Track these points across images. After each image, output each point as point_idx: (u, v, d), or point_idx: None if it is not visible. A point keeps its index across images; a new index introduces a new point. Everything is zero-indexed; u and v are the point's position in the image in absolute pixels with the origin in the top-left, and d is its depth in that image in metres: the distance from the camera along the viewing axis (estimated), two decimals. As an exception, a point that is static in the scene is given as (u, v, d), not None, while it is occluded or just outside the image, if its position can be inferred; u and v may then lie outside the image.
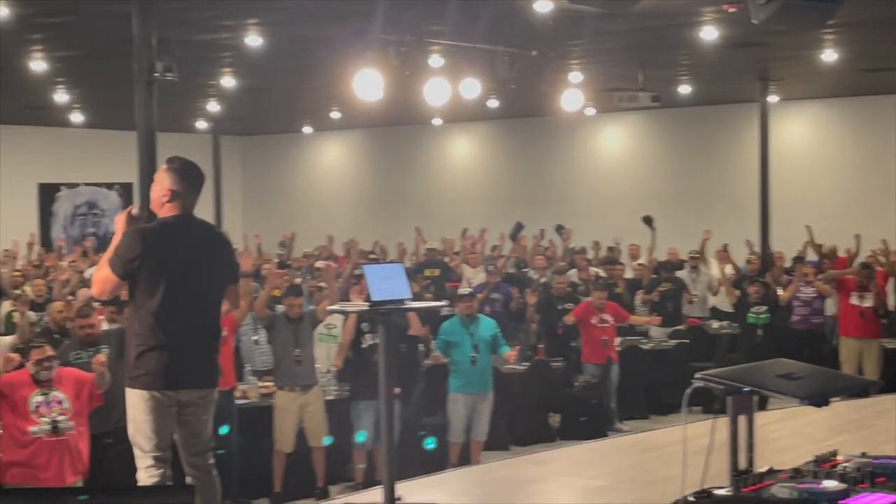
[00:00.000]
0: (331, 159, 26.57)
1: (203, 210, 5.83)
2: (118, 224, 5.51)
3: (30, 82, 15.41)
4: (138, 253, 5.29)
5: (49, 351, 7.79)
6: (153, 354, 5.30)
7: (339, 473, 10.38)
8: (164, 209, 5.48)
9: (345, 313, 9.61)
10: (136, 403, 5.32)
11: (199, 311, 5.49)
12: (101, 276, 5.41)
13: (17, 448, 7.52)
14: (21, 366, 7.81)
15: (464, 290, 11.61)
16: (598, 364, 12.42)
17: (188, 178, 5.52)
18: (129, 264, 5.29)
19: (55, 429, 7.52)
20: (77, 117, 20.88)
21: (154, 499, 3.28)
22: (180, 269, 5.38)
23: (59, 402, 7.63)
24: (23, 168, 22.70)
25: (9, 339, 9.56)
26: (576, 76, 14.72)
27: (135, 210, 5.56)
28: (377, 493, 6.34)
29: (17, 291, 12.93)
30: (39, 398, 7.60)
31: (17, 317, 11.08)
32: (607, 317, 12.50)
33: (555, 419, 12.57)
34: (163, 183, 5.48)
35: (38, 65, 13.87)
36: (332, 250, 18.36)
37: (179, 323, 5.36)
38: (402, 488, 6.37)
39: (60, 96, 17.62)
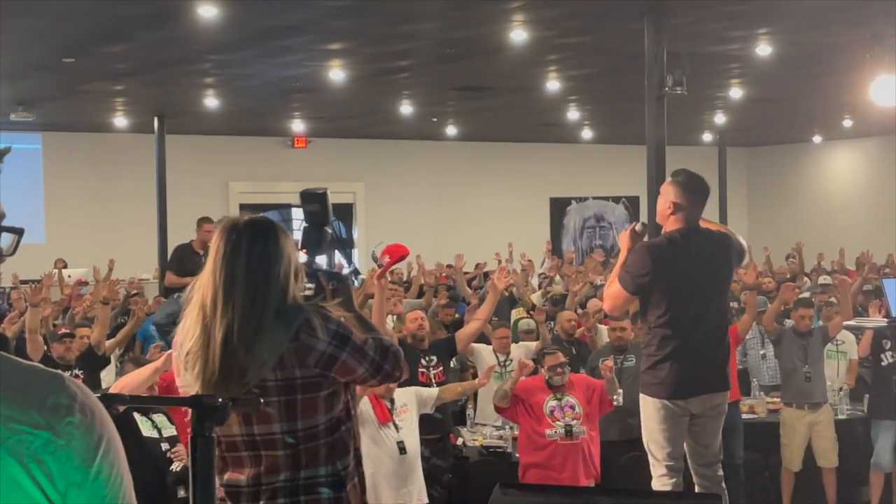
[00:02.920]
0: (842, 168, 25.52)
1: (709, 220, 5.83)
2: (623, 241, 5.68)
3: (544, 101, 16.20)
4: (648, 269, 5.40)
5: (561, 357, 8.15)
6: (665, 365, 5.40)
7: (851, 496, 9.95)
8: (668, 221, 5.57)
9: (862, 329, 9.20)
10: (650, 412, 5.44)
11: (707, 321, 5.53)
12: (613, 292, 5.59)
13: (534, 450, 7.90)
14: (535, 371, 8.24)
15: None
16: None
17: (692, 190, 5.57)
18: (639, 280, 5.42)
19: (569, 432, 7.82)
20: (587, 133, 21.64)
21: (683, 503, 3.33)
22: (688, 282, 5.44)
23: (572, 407, 7.94)
24: (536, 183, 23.94)
25: (533, 344, 10.10)
26: None
27: (638, 226, 5.69)
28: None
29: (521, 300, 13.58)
30: (553, 403, 7.95)
31: (523, 324, 11.67)
32: None
33: None
34: (667, 196, 5.57)
35: (552, 84, 14.53)
36: (843, 263, 17.62)
37: (689, 334, 5.43)
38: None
39: (572, 113, 18.36)
